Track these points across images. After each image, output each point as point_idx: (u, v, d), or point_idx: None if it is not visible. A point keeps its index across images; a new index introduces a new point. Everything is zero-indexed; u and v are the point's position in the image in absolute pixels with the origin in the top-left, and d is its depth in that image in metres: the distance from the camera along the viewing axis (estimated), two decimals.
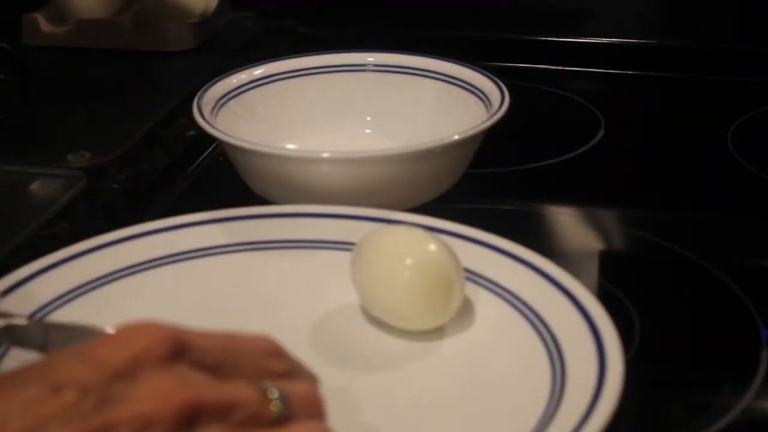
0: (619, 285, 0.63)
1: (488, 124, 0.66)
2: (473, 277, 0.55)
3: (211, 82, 0.72)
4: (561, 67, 0.99)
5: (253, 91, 0.74)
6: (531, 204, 0.76)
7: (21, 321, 0.48)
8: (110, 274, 0.57)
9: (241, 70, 0.74)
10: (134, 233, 0.59)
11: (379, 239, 0.54)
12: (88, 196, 0.70)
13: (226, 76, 0.73)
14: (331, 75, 0.76)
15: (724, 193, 0.77)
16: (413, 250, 0.53)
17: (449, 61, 0.74)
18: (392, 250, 0.53)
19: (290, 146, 0.73)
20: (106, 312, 0.55)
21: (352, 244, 0.56)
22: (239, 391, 0.38)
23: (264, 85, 0.75)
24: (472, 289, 0.55)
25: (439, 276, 0.52)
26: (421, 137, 0.67)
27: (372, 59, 0.77)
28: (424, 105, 0.75)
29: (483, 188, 0.75)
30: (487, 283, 0.55)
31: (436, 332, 0.54)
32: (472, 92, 0.71)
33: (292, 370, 0.42)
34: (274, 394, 0.39)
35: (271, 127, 0.73)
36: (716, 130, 0.84)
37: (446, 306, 0.53)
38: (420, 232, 0.54)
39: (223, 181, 0.73)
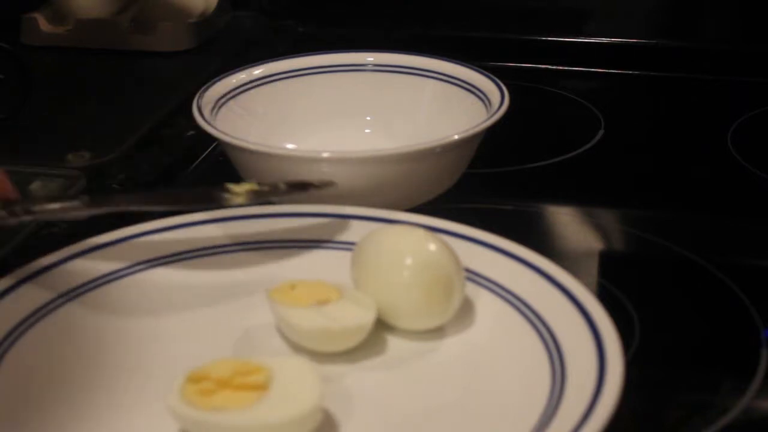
0: (619, 285, 0.63)
1: (488, 123, 0.65)
2: (473, 277, 0.55)
3: (211, 82, 0.72)
4: (561, 67, 0.99)
5: (253, 91, 0.74)
6: (531, 204, 0.76)
7: None
8: (110, 273, 0.57)
9: (241, 70, 0.74)
10: (134, 233, 0.59)
11: (379, 239, 0.54)
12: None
13: (226, 76, 0.73)
14: (331, 75, 0.76)
15: (724, 193, 0.77)
16: (413, 250, 0.53)
17: (449, 61, 0.74)
18: (392, 250, 0.53)
19: (290, 146, 0.73)
20: (107, 312, 0.55)
21: (352, 243, 0.56)
22: None
23: (264, 85, 0.75)
24: (472, 289, 0.55)
25: (439, 276, 0.52)
26: (421, 137, 0.67)
27: (372, 59, 0.77)
28: (424, 105, 0.75)
29: (483, 188, 0.75)
30: (487, 283, 0.55)
31: (436, 332, 0.54)
32: (472, 92, 0.71)
33: None
34: None
35: (271, 127, 0.73)
36: (716, 130, 0.84)
37: (446, 306, 0.53)
38: (420, 231, 0.54)
39: (223, 181, 0.73)
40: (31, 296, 0.54)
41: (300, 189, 0.58)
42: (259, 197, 0.56)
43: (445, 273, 0.52)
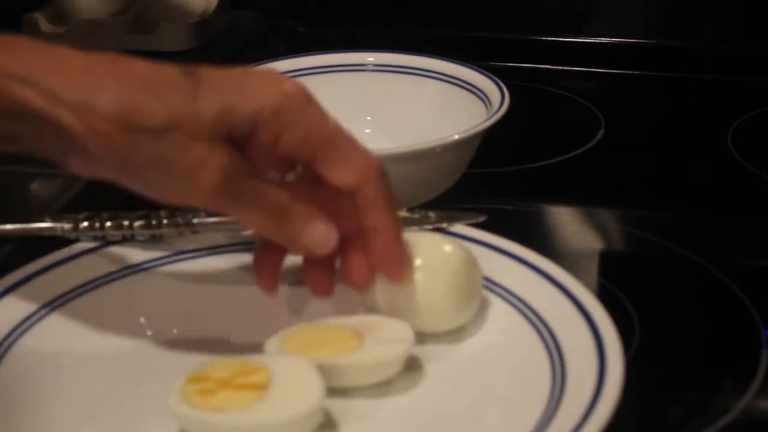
0: (619, 285, 0.63)
1: (488, 124, 0.66)
2: None
3: None
4: (561, 67, 0.99)
5: None
6: (531, 204, 0.76)
7: None
8: (111, 273, 0.57)
9: None
10: None
11: None
12: (88, 196, 0.70)
13: None
14: (331, 75, 0.76)
15: (724, 193, 0.77)
16: (430, 252, 0.52)
17: (449, 61, 0.74)
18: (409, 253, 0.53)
19: None
20: (107, 312, 0.55)
21: None
22: None
23: None
24: None
25: (460, 278, 0.52)
26: (421, 137, 0.67)
27: (372, 59, 0.77)
28: (424, 105, 0.75)
29: (483, 188, 0.75)
30: (486, 283, 0.55)
31: (437, 333, 0.54)
32: (472, 92, 0.71)
33: None
34: None
35: None
36: (716, 130, 0.85)
37: (464, 308, 0.52)
38: (437, 235, 0.54)
39: None
40: (32, 296, 0.54)
41: (449, 220, 0.57)
42: (408, 224, 0.56)
43: (465, 276, 0.52)
